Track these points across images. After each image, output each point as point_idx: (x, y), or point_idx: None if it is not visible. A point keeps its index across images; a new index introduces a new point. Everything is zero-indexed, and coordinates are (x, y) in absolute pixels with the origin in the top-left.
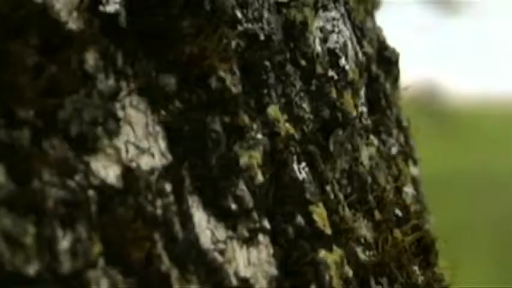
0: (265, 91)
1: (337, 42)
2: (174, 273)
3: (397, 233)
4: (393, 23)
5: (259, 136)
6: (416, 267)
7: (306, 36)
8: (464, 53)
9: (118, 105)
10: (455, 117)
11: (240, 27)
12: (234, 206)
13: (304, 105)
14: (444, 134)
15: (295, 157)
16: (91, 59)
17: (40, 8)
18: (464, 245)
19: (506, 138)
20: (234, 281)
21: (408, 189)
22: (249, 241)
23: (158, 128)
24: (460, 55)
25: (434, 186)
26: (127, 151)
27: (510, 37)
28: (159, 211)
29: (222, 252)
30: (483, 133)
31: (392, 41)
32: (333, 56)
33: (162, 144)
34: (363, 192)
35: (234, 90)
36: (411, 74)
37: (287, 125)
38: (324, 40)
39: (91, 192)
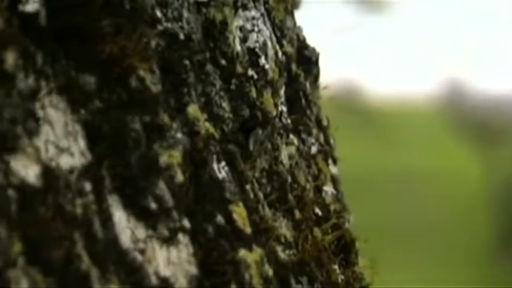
0: (185, 90)
1: (257, 41)
2: (94, 273)
3: (317, 232)
4: (315, 22)
5: (179, 135)
6: (336, 266)
7: (225, 36)
8: (385, 52)
9: (37, 104)
10: (375, 116)
11: (159, 27)
12: (153, 205)
13: (224, 105)
14: (365, 133)
15: (215, 156)
16: (10, 58)
17: None
18: (386, 243)
19: (426, 137)
20: (154, 280)
21: (328, 188)
22: (169, 240)
23: (77, 127)
24: (381, 54)
25: (355, 185)
26: (46, 150)
27: (429, 36)
28: (79, 210)
29: (142, 252)
30: (403, 132)
31: (312, 40)
32: (253, 55)
33: (82, 143)
34: (283, 192)
35: (154, 89)
36: (332, 73)
37: (207, 124)
38: (244, 39)
39: (10, 192)
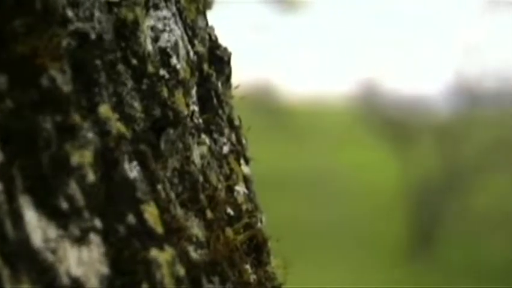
0: (97, 90)
1: (168, 41)
2: (5, 272)
3: (229, 231)
4: (230, 22)
5: (91, 135)
6: (248, 266)
7: (137, 36)
8: (302, 52)
9: None
10: (290, 115)
11: (71, 27)
12: (65, 205)
13: (136, 104)
14: (280, 133)
15: (126, 156)
16: None
17: None
18: (301, 242)
19: (342, 136)
20: (65, 280)
21: (240, 188)
22: (80, 240)
23: None
24: (297, 54)
25: (267, 185)
26: None
27: (345, 37)
28: None
29: (53, 251)
30: (319, 131)
31: (227, 40)
32: (164, 55)
33: None
34: (194, 191)
35: (65, 89)
36: (247, 72)
37: (118, 124)
38: (155, 39)
39: None
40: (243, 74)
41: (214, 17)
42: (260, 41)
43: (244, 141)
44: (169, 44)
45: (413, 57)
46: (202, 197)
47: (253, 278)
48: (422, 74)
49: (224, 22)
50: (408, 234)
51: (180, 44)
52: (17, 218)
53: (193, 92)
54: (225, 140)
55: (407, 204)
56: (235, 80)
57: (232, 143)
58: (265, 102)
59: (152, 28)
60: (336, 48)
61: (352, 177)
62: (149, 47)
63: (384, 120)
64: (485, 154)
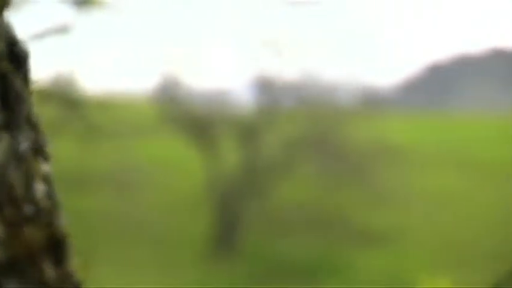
0: None
1: None
2: None
3: (28, 229)
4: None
5: None
6: (47, 264)
7: None
8: (105, 50)
9: None
10: (92, 111)
11: None
12: None
13: None
14: (82, 129)
15: None
16: None
17: None
18: (101, 240)
19: (144, 131)
20: None
21: (39, 186)
22: None
23: None
24: (100, 52)
25: (69, 182)
26: None
27: (148, 35)
28: None
29: None
30: (122, 127)
31: (27, 37)
32: None
33: None
34: None
35: None
36: (48, 69)
37: None
38: None
39: None
40: (44, 71)
41: (14, 15)
42: (63, 38)
43: (43, 139)
44: None
45: (215, 53)
46: (0, 194)
47: (53, 276)
48: (224, 70)
49: (24, 20)
50: (211, 233)
51: None
52: None
53: None
54: (24, 137)
55: (210, 202)
56: (35, 77)
57: (31, 140)
58: (66, 98)
59: None
60: (139, 46)
61: (154, 173)
62: None
63: (186, 116)
64: (288, 149)
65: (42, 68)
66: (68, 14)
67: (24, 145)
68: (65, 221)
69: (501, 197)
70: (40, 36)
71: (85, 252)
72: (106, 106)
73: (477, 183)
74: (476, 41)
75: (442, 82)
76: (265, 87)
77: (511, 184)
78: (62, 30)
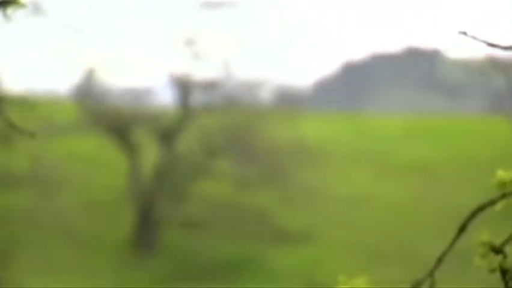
0: None
1: None
2: None
3: None
4: None
5: None
6: None
7: None
8: (23, 50)
9: None
10: (9, 111)
11: None
12: None
13: None
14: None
15: None
16: None
17: None
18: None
19: (65, 130)
20: None
21: None
22: None
23: None
24: (24, 51)
25: None
26: None
27: (70, 34)
28: None
29: None
30: (42, 124)
31: None
32: None
33: None
34: None
35: None
36: None
37: None
38: None
39: None
40: None
41: None
42: None
43: None
44: None
45: (135, 53)
46: None
47: None
48: (144, 69)
49: None
50: (131, 232)
51: None
52: None
53: None
54: None
55: (131, 201)
56: None
57: None
58: None
59: None
60: (61, 46)
61: (76, 172)
62: None
63: (106, 115)
64: (206, 148)
65: None
66: None
67: None
68: None
69: (413, 197)
70: None
71: (2, 252)
72: (27, 105)
73: (390, 183)
74: (393, 40)
75: (357, 81)
76: (184, 86)
77: (425, 184)
78: None
